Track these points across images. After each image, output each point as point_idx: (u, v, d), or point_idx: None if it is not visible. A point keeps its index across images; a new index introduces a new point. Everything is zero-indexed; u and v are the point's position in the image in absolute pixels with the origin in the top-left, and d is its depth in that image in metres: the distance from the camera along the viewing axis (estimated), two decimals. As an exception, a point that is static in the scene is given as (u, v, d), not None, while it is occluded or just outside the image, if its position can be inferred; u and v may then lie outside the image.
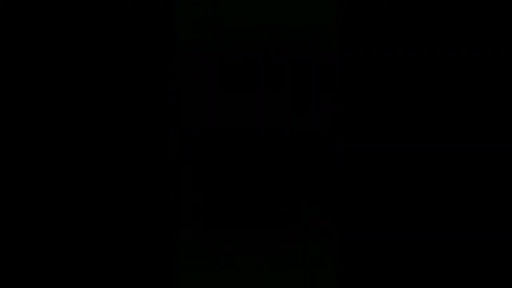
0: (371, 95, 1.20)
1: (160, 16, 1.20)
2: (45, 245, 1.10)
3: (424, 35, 1.17)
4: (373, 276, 1.16)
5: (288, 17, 1.26)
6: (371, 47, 1.19)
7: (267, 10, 1.26)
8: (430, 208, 1.16)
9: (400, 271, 1.16)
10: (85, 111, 1.15)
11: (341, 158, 1.22)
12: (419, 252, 1.15)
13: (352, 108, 1.20)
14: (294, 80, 1.26)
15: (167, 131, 1.20)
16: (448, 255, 1.14)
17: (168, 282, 1.14)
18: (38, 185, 1.10)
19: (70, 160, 1.13)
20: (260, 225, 1.28)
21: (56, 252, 1.09)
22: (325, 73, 1.25)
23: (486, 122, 1.15)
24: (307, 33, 1.26)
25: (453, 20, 1.16)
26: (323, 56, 1.25)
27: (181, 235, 1.20)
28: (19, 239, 1.08)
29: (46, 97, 1.14)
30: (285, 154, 1.28)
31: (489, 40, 1.15)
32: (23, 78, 1.13)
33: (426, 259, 1.15)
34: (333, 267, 1.19)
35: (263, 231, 1.28)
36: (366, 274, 1.16)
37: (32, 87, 1.13)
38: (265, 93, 1.29)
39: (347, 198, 1.19)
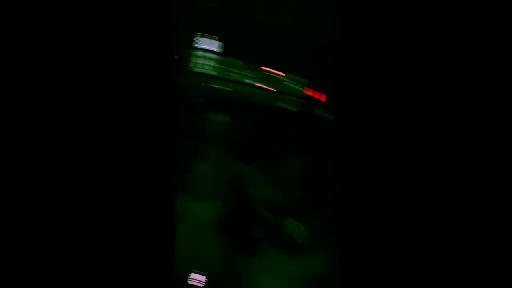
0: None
1: (160, 16, 1.20)
2: (49, 244, 1.09)
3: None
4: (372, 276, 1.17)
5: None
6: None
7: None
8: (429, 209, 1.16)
9: (400, 271, 1.16)
10: (83, 111, 1.15)
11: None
12: (419, 252, 1.16)
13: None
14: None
15: (167, 131, 1.20)
16: (448, 256, 1.15)
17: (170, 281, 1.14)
18: (38, 184, 1.09)
19: (69, 161, 1.13)
20: None
21: (56, 253, 1.08)
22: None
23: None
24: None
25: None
26: None
27: None
28: (19, 241, 1.07)
29: (45, 97, 1.13)
30: None
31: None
32: (22, 78, 1.12)
33: (425, 260, 1.16)
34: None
35: None
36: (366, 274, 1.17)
37: (32, 88, 1.12)
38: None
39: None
